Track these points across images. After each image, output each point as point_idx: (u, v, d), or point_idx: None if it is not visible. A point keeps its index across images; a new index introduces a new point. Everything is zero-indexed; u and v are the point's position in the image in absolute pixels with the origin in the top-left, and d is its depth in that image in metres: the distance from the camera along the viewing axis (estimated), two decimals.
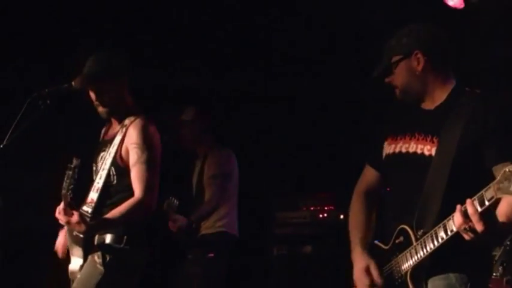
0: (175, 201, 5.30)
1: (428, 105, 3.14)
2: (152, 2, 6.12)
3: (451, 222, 2.76)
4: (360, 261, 3.20)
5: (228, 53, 6.64)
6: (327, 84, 6.77)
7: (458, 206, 2.70)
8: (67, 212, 3.71)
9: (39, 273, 5.28)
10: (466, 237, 2.70)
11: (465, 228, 2.67)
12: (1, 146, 3.70)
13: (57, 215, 3.78)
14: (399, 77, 3.13)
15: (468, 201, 2.67)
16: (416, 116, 3.16)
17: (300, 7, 6.09)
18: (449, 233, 2.77)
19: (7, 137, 3.73)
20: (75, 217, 3.69)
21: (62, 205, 3.73)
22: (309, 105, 7.02)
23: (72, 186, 3.71)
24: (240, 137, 6.78)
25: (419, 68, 3.09)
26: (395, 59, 3.12)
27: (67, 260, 4.14)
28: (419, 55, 3.08)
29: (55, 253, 4.25)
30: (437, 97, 3.12)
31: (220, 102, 6.87)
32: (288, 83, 6.96)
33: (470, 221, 2.65)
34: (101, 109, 4.05)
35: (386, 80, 3.17)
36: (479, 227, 2.65)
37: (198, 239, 5.56)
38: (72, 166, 3.75)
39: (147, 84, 6.32)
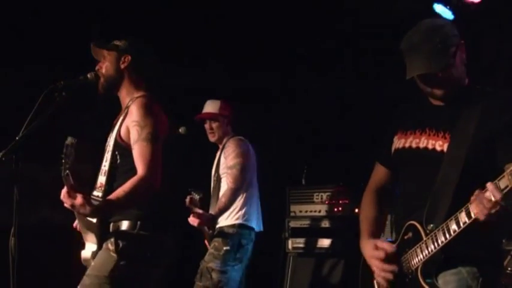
0: (196, 196, 5.33)
1: (439, 101, 3.12)
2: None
3: (463, 214, 2.76)
4: (366, 244, 3.22)
5: (249, 52, 6.68)
6: (345, 79, 6.76)
7: (489, 185, 2.69)
8: (71, 195, 3.64)
9: (55, 266, 5.31)
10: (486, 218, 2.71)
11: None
12: (17, 138, 3.72)
13: (62, 197, 3.70)
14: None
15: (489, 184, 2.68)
16: (426, 112, 3.14)
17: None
18: (461, 225, 2.77)
19: (23, 129, 3.75)
20: (78, 199, 3.62)
21: (65, 188, 3.67)
22: (325, 100, 7.01)
23: (68, 165, 3.60)
24: (256, 129, 6.78)
25: (463, 60, 3.06)
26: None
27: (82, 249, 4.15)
28: (463, 48, 3.06)
29: (71, 245, 4.25)
30: (449, 93, 3.09)
31: (240, 96, 6.89)
32: (305, 78, 6.96)
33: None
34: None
35: (443, 75, 3.02)
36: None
37: (217, 232, 5.58)
38: (66, 143, 3.66)
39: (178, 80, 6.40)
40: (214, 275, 5.43)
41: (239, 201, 5.56)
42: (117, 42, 4.12)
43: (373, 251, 3.17)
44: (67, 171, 3.61)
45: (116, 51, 4.09)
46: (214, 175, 5.79)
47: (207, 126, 5.79)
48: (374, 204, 3.39)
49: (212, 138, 5.80)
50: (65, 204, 3.72)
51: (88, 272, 3.91)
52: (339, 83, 6.82)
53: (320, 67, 6.81)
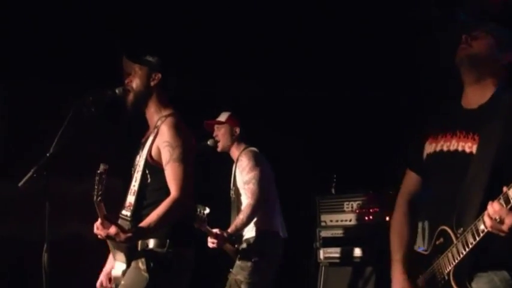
0: (203, 212, 5.06)
1: (471, 104, 3.10)
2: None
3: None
4: (398, 280, 3.19)
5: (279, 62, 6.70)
6: (373, 85, 6.75)
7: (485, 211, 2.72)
8: (105, 225, 3.74)
9: (85, 280, 5.33)
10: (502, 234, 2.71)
11: (495, 219, 2.68)
12: (47, 154, 3.76)
13: (95, 231, 3.80)
14: (479, 44, 3.07)
15: (490, 203, 2.70)
16: (458, 115, 3.12)
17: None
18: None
19: (53, 144, 3.79)
20: (112, 229, 3.73)
21: (99, 220, 3.76)
22: (353, 107, 7.00)
23: (101, 192, 3.67)
24: (286, 139, 6.79)
25: (503, 57, 3.07)
26: (487, 28, 3.08)
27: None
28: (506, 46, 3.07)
29: (101, 259, 4.28)
30: (481, 94, 3.07)
31: (266, 105, 6.91)
32: (332, 85, 6.96)
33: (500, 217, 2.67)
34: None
35: (464, 35, 3.09)
36: (508, 220, 2.66)
37: (243, 243, 5.58)
38: (99, 172, 3.70)
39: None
40: (244, 287, 5.42)
41: (261, 212, 5.52)
42: (149, 58, 4.14)
43: None
44: (99, 197, 3.68)
45: (148, 67, 4.11)
46: (232, 189, 5.80)
47: (214, 134, 5.81)
48: (407, 219, 3.32)
49: (218, 148, 5.80)
50: (100, 236, 3.80)
51: None
52: (366, 90, 6.81)
53: (346, 75, 6.80)
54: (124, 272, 3.98)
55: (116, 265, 4.06)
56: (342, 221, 6.28)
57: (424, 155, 3.21)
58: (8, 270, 6.01)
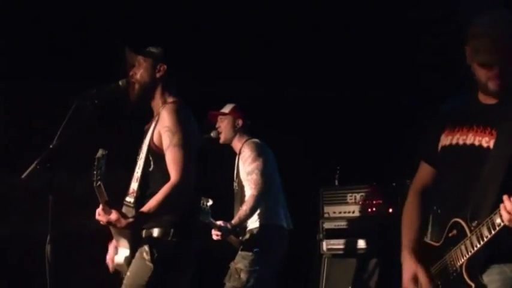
0: (206, 204, 5.07)
1: (488, 99, 3.08)
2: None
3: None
4: (407, 268, 3.18)
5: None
6: (378, 78, 6.74)
7: (502, 205, 2.69)
8: (106, 211, 3.73)
9: (91, 274, 5.35)
10: None
11: None
12: (50, 146, 3.75)
13: (97, 217, 3.79)
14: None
15: (505, 197, 2.69)
16: (475, 109, 3.10)
17: None
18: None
19: (56, 137, 3.78)
20: (113, 215, 3.72)
21: (100, 206, 3.75)
22: (356, 99, 6.99)
23: (100, 177, 3.64)
24: (286, 139, 6.78)
25: None
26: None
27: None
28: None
29: (105, 252, 4.28)
30: (503, 89, 3.03)
31: (272, 98, 6.91)
32: (332, 84, 6.96)
33: None
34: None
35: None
36: None
37: (246, 234, 5.58)
38: (97, 157, 3.68)
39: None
40: (243, 275, 5.41)
41: (265, 203, 5.53)
42: (153, 49, 4.13)
43: (411, 283, 3.14)
44: (99, 182, 3.66)
45: (152, 59, 4.11)
46: (235, 181, 5.80)
47: (217, 125, 5.82)
48: (419, 209, 3.31)
49: (220, 139, 5.80)
50: (101, 222, 3.80)
51: (125, 282, 3.95)
52: (368, 83, 6.81)
53: (348, 70, 6.81)
54: (127, 259, 3.99)
55: (119, 251, 4.07)
56: (345, 212, 6.28)
57: (439, 147, 3.20)
58: (11, 266, 6.03)
